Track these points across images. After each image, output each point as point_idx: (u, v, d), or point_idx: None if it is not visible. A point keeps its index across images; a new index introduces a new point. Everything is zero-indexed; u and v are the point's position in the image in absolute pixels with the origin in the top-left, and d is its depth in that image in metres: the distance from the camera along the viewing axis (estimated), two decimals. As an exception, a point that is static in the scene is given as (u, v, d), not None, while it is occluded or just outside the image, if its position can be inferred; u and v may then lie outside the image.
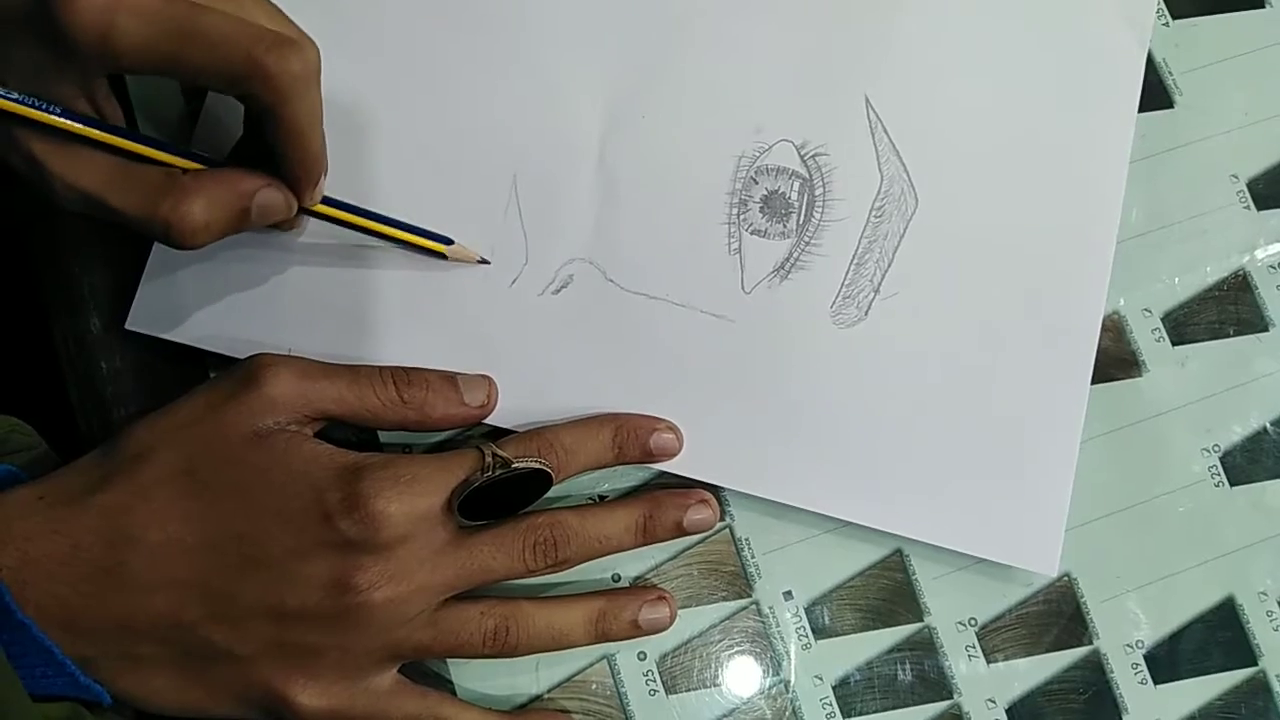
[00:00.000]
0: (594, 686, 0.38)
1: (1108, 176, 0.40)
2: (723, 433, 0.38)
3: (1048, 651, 0.39)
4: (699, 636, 0.38)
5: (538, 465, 0.35)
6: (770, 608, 0.39)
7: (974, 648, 0.39)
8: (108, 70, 0.32)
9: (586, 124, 0.39)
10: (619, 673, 0.38)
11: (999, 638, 0.39)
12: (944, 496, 0.38)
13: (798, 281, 0.39)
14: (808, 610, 0.39)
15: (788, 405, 0.38)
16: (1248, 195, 0.41)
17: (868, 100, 0.40)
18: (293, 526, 0.33)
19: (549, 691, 0.38)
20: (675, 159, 0.39)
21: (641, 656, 0.38)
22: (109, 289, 0.39)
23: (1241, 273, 0.41)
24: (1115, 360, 0.40)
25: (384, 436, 0.39)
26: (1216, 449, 0.40)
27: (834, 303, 0.39)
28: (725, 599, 0.39)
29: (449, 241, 0.38)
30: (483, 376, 0.37)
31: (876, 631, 0.39)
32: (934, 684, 0.38)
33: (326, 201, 0.36)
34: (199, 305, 0.38)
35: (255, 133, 0.34)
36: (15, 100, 0.31)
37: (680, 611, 0.38)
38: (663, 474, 0.38)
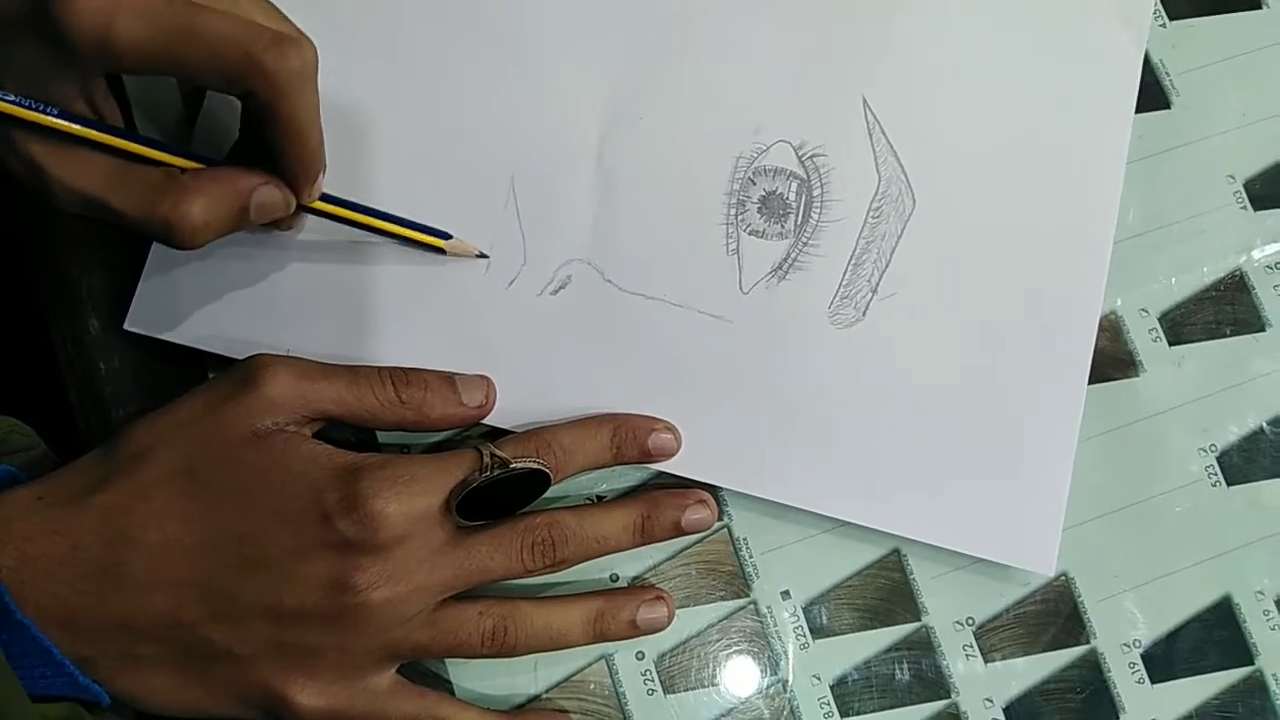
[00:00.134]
0: (592, 686, 0.38)
1: (1105, 177, 0.40)
2: (721, 433, 0.38)
3: (1045, 651, 0.39)
4: (697, 636, 0.38)
5: (536, 465, 0.35)
6: (768, 607, 0.39)
7: (971, 647, 0.39)
8: (106, 70, 0.32)
9: (585, 124, 0.40)
10: (617, 672, 0.38)
11: (996, 637, 0.39)
12: (941, 496, 0.38)
13: (795, 282, 0.39)
14: (806, 610, 0.39)
15: (785, 405, 0.38)
16: (1244, 196, 0.41)
17: (865, 101, 0.40)
18: (291, 527, 0.33)
19: (547, 691, 0.38)
20: (673, 159, 0.39)
21: (640, 656, 0.38)
22: (108, 290, 0.39)
23: (1238, 273, 0.41)
24: (1112, 360, 0.40)
25: (382, 437, 0.39)
26: (1213, 449, 0.40)
27: (831, 303, 0.39)
28: (723, 599, 0.39)
29: (447, 236, 0.38)
30: (481, 377, 0.37)
31: (874, 631, 0.39)
32: (931, 683, 0.38)
33: (325, 199, 0.36)
34: (197, 306, 0.38)
35: (253, 132, 0.34)
36: (13, 102, 0.31)
37: (678, 611, 0.38)
38: (661, 474, 0.38)
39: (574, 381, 0.38)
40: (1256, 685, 0.39)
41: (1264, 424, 0.40)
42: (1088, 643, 0.39)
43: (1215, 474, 0.40)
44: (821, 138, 0.40)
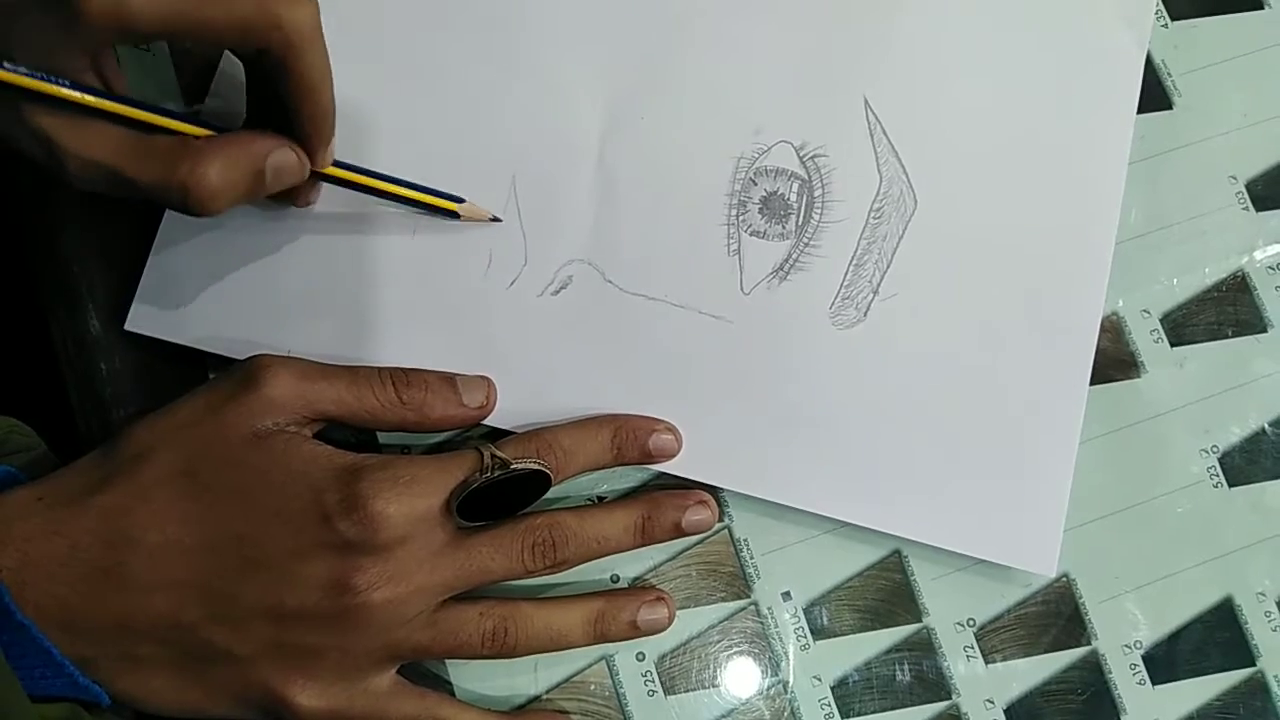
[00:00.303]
0: (592, 687, 0.38)
1: (1107, 178, 0.40)
2: (722, 434, 0.38)
3: (1046, 652, 0.39)
4: (698, 637, 0.38)
5: (536, 466, 0.35)
6: (769, 608, 0.39)
7: (972, 648, 0.39)
8: (118, 38, 0.32)
9: (586, 125, 0.40)
10: (618, 673, 0.38)
11: (997, 638, 0.39)
12: (943, 497, 0.38)
13: (797, 283, 0.39)
14: (806, 611, 0.39)
15: (786, 406, 0.38)
16: (1246, 196, 0.41)
17: (867, 101, 0.40)
18: (292, 527, 0.33)
19: (548, 692, 0.38)
20: (674, 160, 0.39)
21: (640, 657, 0.38)
22: (108, 290, 0.39)
23: (1240, 274, 0.41)
24: (1114, 361, 0.40)
25: (383, 437, 0.39)
26: (1215, 450, 0.40)
27: (833, 304, 0.39)
28: (724, 600, 0.39)
29: (460, 200, 0.38)
30: (481, 377, 0.37)
31: (875, 632, 0.39)
32: (932, 684, 0.38)
33: (338, 165, 0.36)
34: (198, 306, 0.38)
35: (261, 109, 0.34)
36: (25, 74, 0.31)
37: (679, 612, 0.38)
38: (661, 475, 0.38)
39: (575, 382, 0.38)
40: (1258, 687, 0.39)
41: (1266, 425, 0.40)
42: (1089, 644, 0.39)
43: (1217, 475, 0.40)
44: (823, 138, 0.40)
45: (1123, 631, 0.39)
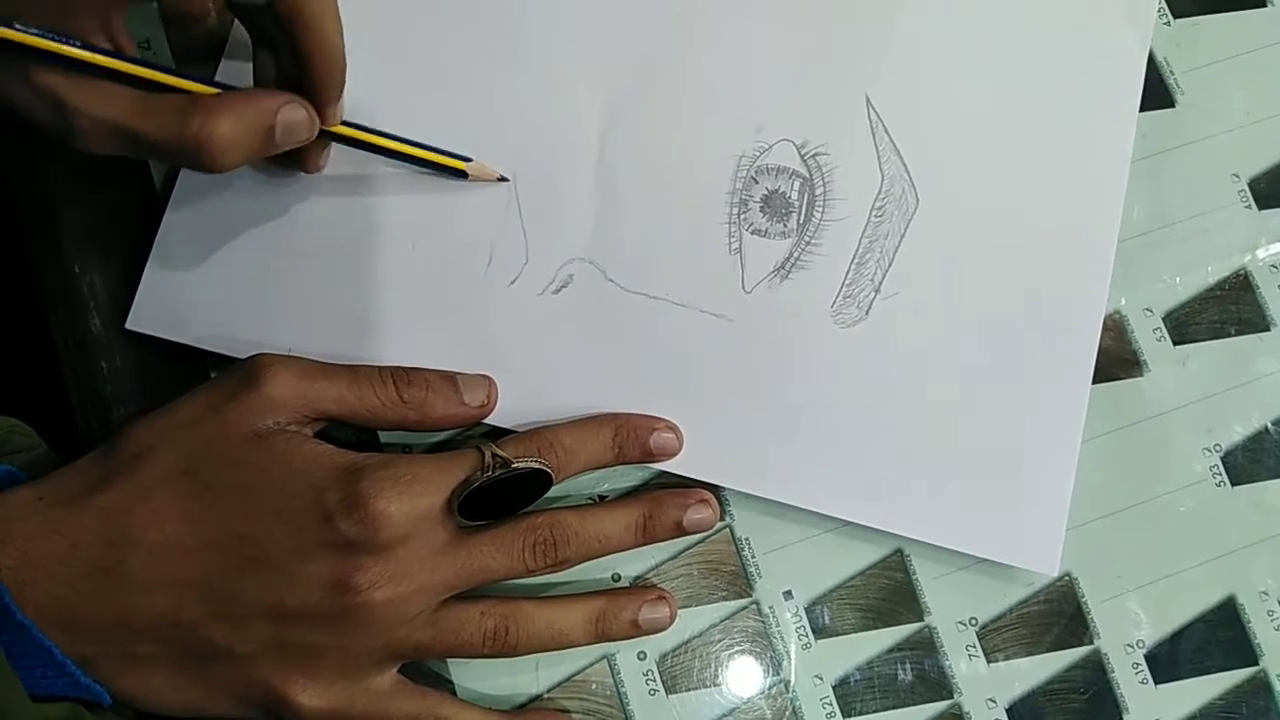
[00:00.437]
0: (594, 686, 0.38)
1: (1109, 176, 0.40)
2: (723, 432, 0.38)
3: (1048, 651, 0.39)
4: (699, 636, 0.38)
5: (537, 465, 0.35)
6: (770, 607, 0.39)
7: (974, 647, 0.39)
8: None
9: (586, 123, 0.39)
10: (619, 672, 0.38)
11: (999, 637, 0.39)
12: (944, 496, 0.38)
13: (798, 281, 0.39)
14: (808, 610, 0.39)
15: (788, 405, 0.38)
16: (1249, 194, 0.41)
17: (868, 99, 0.40)
18: (293, 526, 0.33)
19: (549, 691, 0.38)
20: (675, 158, 0.39)
21: (641, 656, 0.38)
22: (109, 289, 0.39)
23: (1243, 272, 0.41)
24: (1116, 360, 0.40)
25: (384, 436, 0.39)
26: (1218, 448, 0.40)
27: (835, 302, 0.39)
28: (725, 599, 0.39)
29: (468, 160, 0.38)
30: (482, 376, 0.37)
31: (877, 631, 0.39)
32: (934, 684, 0.38)
33: (346, 124, 0.36)
34: (199, 305, 0.38)
35: (267, 79, 0.35)
36: (35, 34, 0.31)
37: (680, 611, 0.38)
38: (663, 474, 0.38)
39: (576, 381, 0.38)
40: (1261, 686, 0.39)
41: (1269, 424, 0.40)
42: (1091, 643, 0.39)
43: (1220, 474, 0.40)
44: (824, 136, 0.39)
45: (1125, 630, 0.39)
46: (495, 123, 0.39)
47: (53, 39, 0.31)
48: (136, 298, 0.38)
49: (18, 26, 0.31)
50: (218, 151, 0.32)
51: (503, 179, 0.39)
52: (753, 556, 0.39)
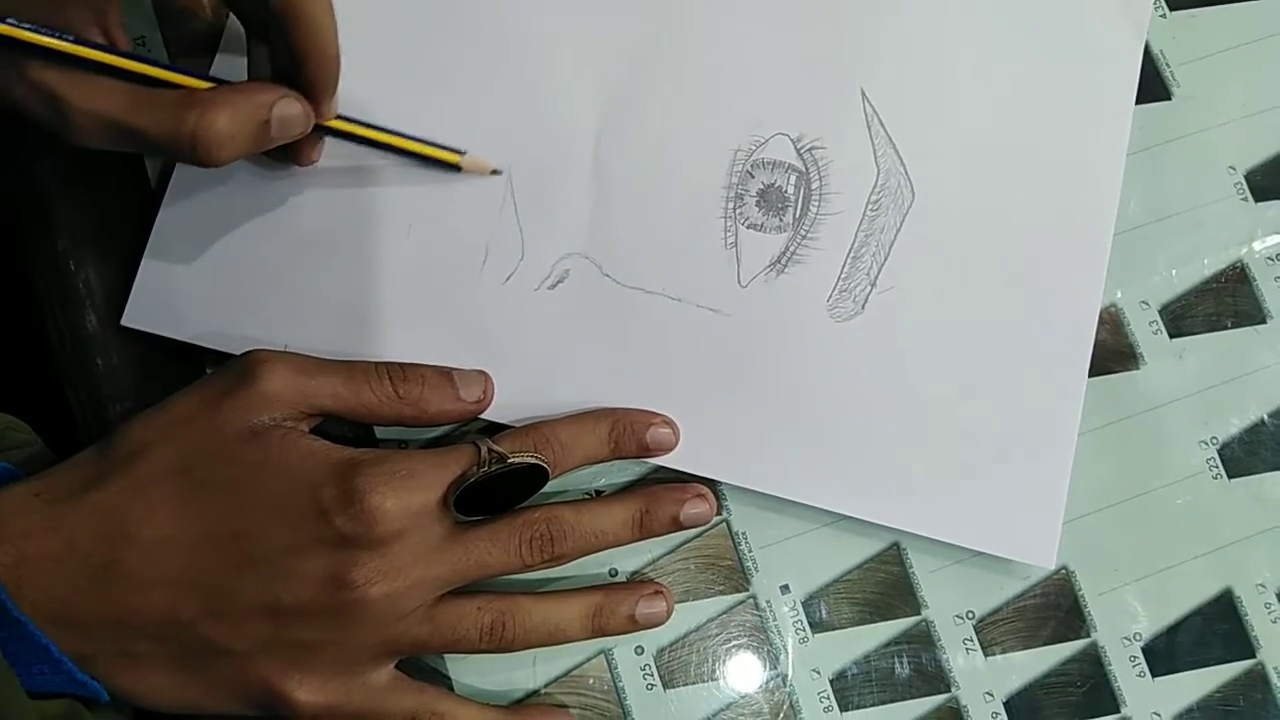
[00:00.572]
0: (591, 681, 0.38)
1: (1105, 169, 0.40)
2: (719, 427, 0.38)
3: (1045, 644, 0.39)
4: (696, 631, 0.38)
5: (534, 460, 0.35)
6: (767, 602, 0.39)
7: (971, 641, 0.39)
8: None
9: (581, 118, 0.39)
10: (616, 667, 0.38)
11: (997, 631, 0.39)
12: (941, 490, 0.38)
13: (794, 275, 0.39)
14: (805, 604, 0.39)
15: (784, 399, 0.38)
16: (1245, 187, 0.41)
17: (864, 93, 0.40)
18: (289, 523, 0.33)
19: (546, 686, 0.38)
20: (671, 153, 0.39)
21: (639, 651, 0.38)
22: (105, 285, 0.39)
23: (1239, 264, 0.41)
24: (1113, 353, 0.40)
25: (380, 432, 0.39)
26: (1214, 441, 0.40)
27: (830, 296, 0.39)
28: (722, 593, 0.39)
29: (462, 152, 0.38)
30: (479, 372, 0.37)
31: (874, 625, 0.39)
32: (931, 677, 0.38)
33: (341, 118, 0.36)
34: (195, 302, 0.38)
35: (261, 74, 0.35)
36: (30, 30, 0.31)
37: (677, 606, 0.38)
38: (659, 469, 0.38)
39: (572, 376, 0.38)
40: (1258, 678, 0.39)
41: (1265, 416, 0.40)
42: (1088, 636, 0.39)
43: (1216, 466, 0.40)
44: (820, 130, 0.39)
45: (1122, 623, 0.39)
46: (490, 118, 0.39)
47: (48, 34, 0.31)
48: (131, 294, 0.38)
49: (12, 22, 0.31)
50: (213, 145, 0.32)
51: (496, 172, 0.39)
52: (750, 551, 0.39)
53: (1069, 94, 0.40)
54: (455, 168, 0.38)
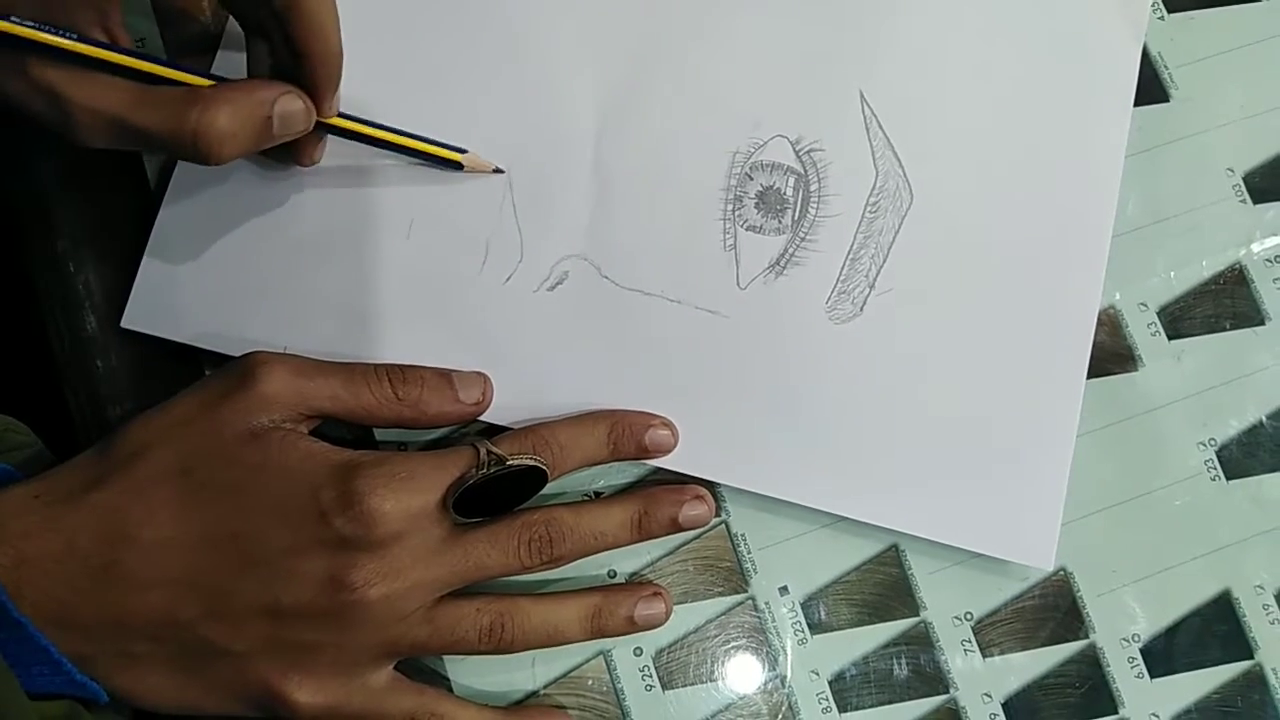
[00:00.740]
0: (590, 682, 0.38)
1: (1103, 170, 0.40)
2: (718, 428, 0.38)
3: (1044, 646, 0.39)
4: (695, 632, 0.38)
5: (533, 462, 0.35)
6: (766, 603, 0.39)
7: (970, 642, 0.39)
8: None
9: (581, 120, 0.39)
10: (615, 668, 0.38)
11: (995, 632, 0.39)
12: (940, 491, 0.38)
13: (793, 277, 0.39)
14: (804, 605, 0.39)
15: (783, 401, 0.38)
16: (1244, 189, 0.41)
17: (862, 95, 0.40)
18: (288, 524, 0.33)
19: (545, 687, 0.38)
20: (670, 155, 0.39)
21: (638, 652, 0.38)
22: (105, 287, 0.39)
23: (1238, 266, 0.41)
24: (1111, 354, 0.40)
25: (379, 434, 0.39)
26: (1213, 443, 0.40)
27: (829, 298, 0.39)
28: (721, 594, 0.39)
29: (463, 151, 0.38)
30: (478, 373, 0.37)
31: (872, 626, 0.39)
32: (930, 678, 0.38)
33: (343, 116, 0.36)
34: (195, 303, 0.38)
35: (260, 73, 0.35)
36: (31, 27, 0.31)
37: (676, 607, 0.38)
38: (658, 470, 0.38)
39: (571, 378, 0.38)
40: (1256, 680, 0.39)
41: (1263, 418, 0.40)
42: (1086, 637, 0.39)
43: (1215, 468, 0.40)
44: (819, 132, 0.39)
45: (1120, 625, 0.39)
46: (490, 119, 0.39)
47: (49, 32, 0.31)
48: (131, 296, 0.38)
49: (14, 19, 0.31)
50: (215, 143, 0.32)
51: (498, 170, 0.39)
52: (748, 552, 0.39)
53: (1067, 96, 0.40)
54: (458, 165, 0.38)
